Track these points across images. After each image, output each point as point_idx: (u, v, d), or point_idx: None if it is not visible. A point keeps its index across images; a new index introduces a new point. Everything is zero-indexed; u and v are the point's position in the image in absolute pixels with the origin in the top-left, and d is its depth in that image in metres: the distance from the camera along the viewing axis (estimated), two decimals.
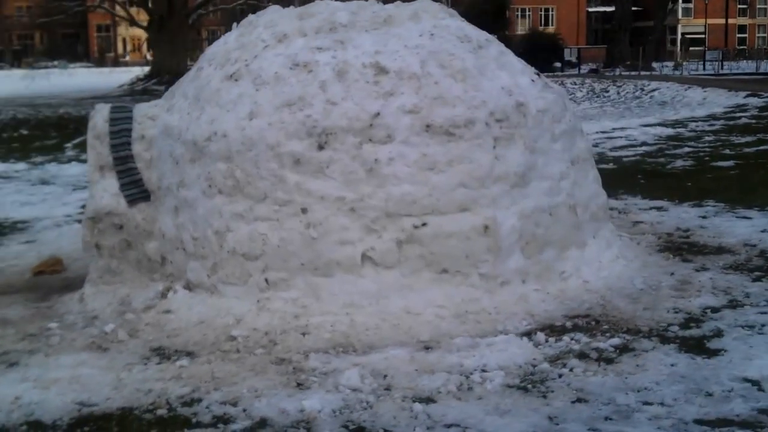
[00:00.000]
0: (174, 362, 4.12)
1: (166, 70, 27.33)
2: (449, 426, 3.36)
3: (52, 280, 5.74)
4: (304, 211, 4.66)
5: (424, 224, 4.65)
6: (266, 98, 4.84)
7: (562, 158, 5.25)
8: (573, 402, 3.56)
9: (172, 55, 28.00)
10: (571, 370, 3.89)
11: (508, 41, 43.14)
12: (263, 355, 4.18)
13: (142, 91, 28.30)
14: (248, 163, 4.75)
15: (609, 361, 3.99)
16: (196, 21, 30.85)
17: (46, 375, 3.99)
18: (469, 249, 4.70)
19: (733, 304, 4.73)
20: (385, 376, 3.87)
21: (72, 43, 57.18)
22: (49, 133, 18.31)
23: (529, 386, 3.73)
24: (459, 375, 3.84)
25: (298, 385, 3.81)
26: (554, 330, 4.42)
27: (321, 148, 4.67)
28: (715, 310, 4.65)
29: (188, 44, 30.04)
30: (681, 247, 6.02)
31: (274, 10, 5.51)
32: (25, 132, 18.44)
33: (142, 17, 31.87)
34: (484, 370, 3.90)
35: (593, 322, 4.53)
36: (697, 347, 4.12)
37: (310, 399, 3.60)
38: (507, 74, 5.21)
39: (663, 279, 5.23)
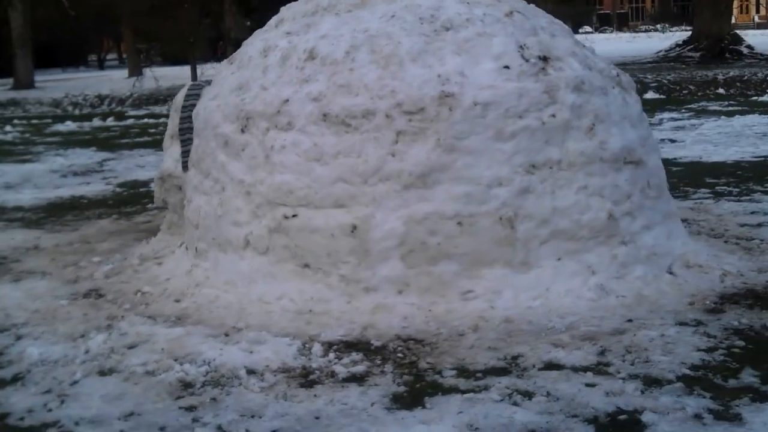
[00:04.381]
0: (64, 300, 4.94)
1: (706, 35, 25.86)
2: (46, 392, 3.67)
3: None
4: (223, 189, 4.99)
5: (294, 215, 4.60)
6: (229, 81, 5.21)
7: (509, 161, 4.50)
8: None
9: (715, 17, 26.30)
10: (241, 383, 3.66)
11: None
12: (119, 309, 4.73)
13: (674, 59, 27.36)
14: (203, 141, 5.23)
15: (306, 386, 3.63)
16: None
17: None
18: (332, 247, 4.49)
19: (574, 368, 3.68)
20: (133, 347, 4.15)
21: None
22: None
23: (192, 383, 3.67)
24: (174, 361, 3.91)
25: (81, 336, 4.33)
26: (352, 346, 4.04)
27: (242, 131, 4.91)
28: (558, 367, 3.69)
29: (730, 6, 27.83)
30: (755, 296, 4.57)
31: None
32: None
33: None
34: (206, 364, 3.88)
35: (401, 348, 4.00)
36: (409, 397, 3.47)
37: (44, 348, 4.13)
38: (463, 60, 4.65)
39: (601, 324, 4.19)
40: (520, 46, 4.79)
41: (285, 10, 5.51)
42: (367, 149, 4.50)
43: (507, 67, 4.65)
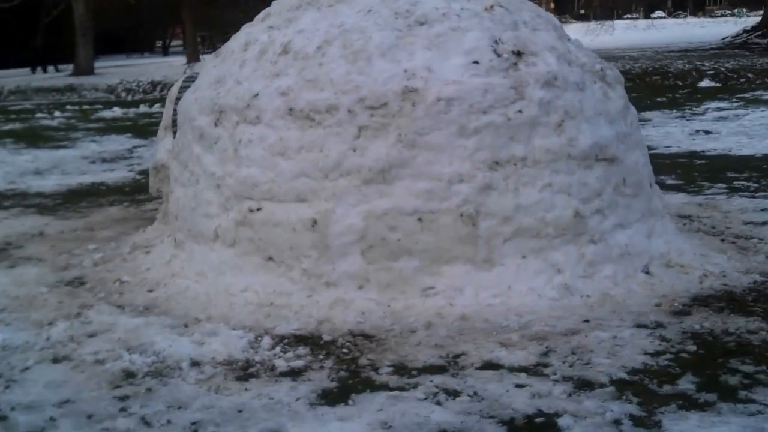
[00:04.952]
0: (45, 288, 5.06)
1: None
2: None
3: None
4: (197, 181, 5.05)
5: (259, 209, 4.63)
6: (210, 74, 5.27)
7: (472, 158, 4.46)
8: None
9: None
10: (180, 374, 3.72)
11: None
12: (93, 298, 4.84)
13: (740, 45, 26.56)
14: (182, 134, 5.30)
15: (242, 379, 3.68)
16: None
17: None
18: (294, 241, 4.52)
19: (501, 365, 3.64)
20: (92, 336, 4.25)
21: None
22: None
23: (135, 373, 3.74)
24: (126, 351, 3.99)
25: (48, 323, 4.44)
26: (302, 340, 4.07)
27: (216, 125, 4.97)
28: (496, 367, 3.66)
29: None
30: (730, 299, 4.46)
31: None
32: None
33: None
34: (155, 355, 3.96)
35: (348, 344, 4.01)
36: (338, 393, 3.48)
37: (10, 334, 4.26)
38: (433, 55, 4.62)
39: (557, 324, 4.14)
40: (495, 41, 4.74)
41: (275, 4, 5.54)
42: (329, 144, 4.50)
43: (476, 62, 4.61)
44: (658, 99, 16.37)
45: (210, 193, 4.88)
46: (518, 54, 4.71)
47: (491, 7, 4.94)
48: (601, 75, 5.08)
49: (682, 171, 8.59)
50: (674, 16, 62.57)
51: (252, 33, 5.25)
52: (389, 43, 4.66)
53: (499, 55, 4.67)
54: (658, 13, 64.11)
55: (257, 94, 4.76)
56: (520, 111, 4.53)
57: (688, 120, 12.94)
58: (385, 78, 4.53)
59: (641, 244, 4.84)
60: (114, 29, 42.79)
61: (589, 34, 34.10)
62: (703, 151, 9.76)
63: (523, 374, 3.57)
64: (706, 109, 14.24)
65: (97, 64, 32.58)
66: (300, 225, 4.50)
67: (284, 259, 4.55)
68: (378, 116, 4.47)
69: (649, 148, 10.12)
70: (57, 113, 17.53)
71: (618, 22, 49.40)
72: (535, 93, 4.58)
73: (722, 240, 5.66)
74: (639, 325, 4.09)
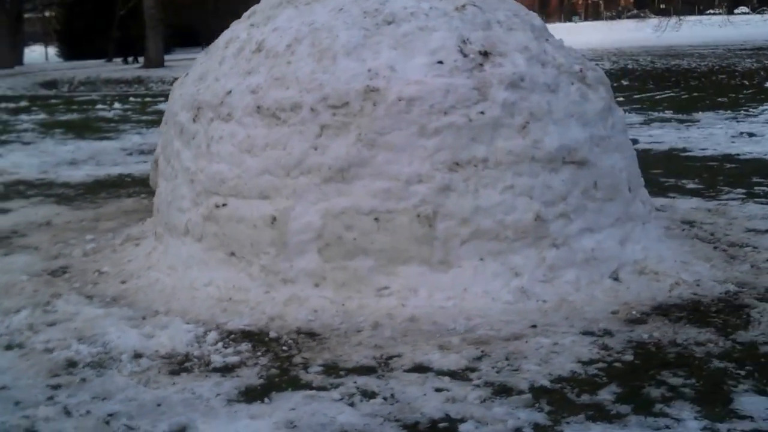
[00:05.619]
0: (26, 276, 5.23)
1: None
2: None
3: None
4: (176, 176, 5.16)
5: (224, 205, 4.70)
6: (195, 71, 5.37)
7: (431, 158, 4.43)
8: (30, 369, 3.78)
9: None
10: (118, 366, 3.79)
11: None
12: (67, 288, 4.98)
13: None
14: (167, 128, 5.42)
15: (174, 373, 3.75)
16: None
17: None
18: (254, 238, 4.57)
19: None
20: (52, 325, 4.38)
21: None
22: (644, 85, 18.98)
23: (77, 363, 3.84)
24: (77, 341, 4.11)
25: (15, 311, 4.59)
26: (249, 336, 4.11)
27: (194, 121, 5.06)
28: (424, 370, 3.65)
29: None
30: (694, 309, 4.35)
31: None
32: (624, 83, 19.45)
33: None
34: (102, 346, 4.04)
35: (291, 341, 4.05)
36: (261, 391, 3.52)
37: None
38: (398, 54, 4.61)
39: (503, 328, 4.10)
40: (463, 41, 4.70)
41: (262, 2, 5.60)
42: (293, 142, 4.54)
43: (441, 62, 4.58)
44: (719, 99, 15.98)
45: (185, 187, 4.98)
46: (485, 54, 4.67)
47: (463, 6, 4.90)
48: (580, 76, 4.99)
49: (708, 175, 8.37)
50: (759, 12, 60.81)
51: (236, 30, 5.33)
52: (355, 42, 4.67)
53: (465, 56, 4.64)
54: (742, 8, 62.39)
55: (230, 92, 4.83)
56: (482, 112, 4.49)
57: (738, 122, 12.60)
58: (348, 77, 4.54)
59: (611, 249, 4.74)
60: (188, 22, 43.66)
61: (658, 31, 33.42)
62: (738, 155, 9.48)
63: (447, 378, 3.54)
64: (763, 110, 13.84)
65: (171, 56, 33.29)
66: (260, 221, 4.56)
67: (245, 254, 4.61)
68: (340, 115, 4.49)
69: (684, 150, 10.07)
70: (116, 105, 18.00)
71: (694, 18, 48.20)
72: (498, 94, 4.53)
73: (715, 247, 5.50)
74: (586, 333, 4.02)
